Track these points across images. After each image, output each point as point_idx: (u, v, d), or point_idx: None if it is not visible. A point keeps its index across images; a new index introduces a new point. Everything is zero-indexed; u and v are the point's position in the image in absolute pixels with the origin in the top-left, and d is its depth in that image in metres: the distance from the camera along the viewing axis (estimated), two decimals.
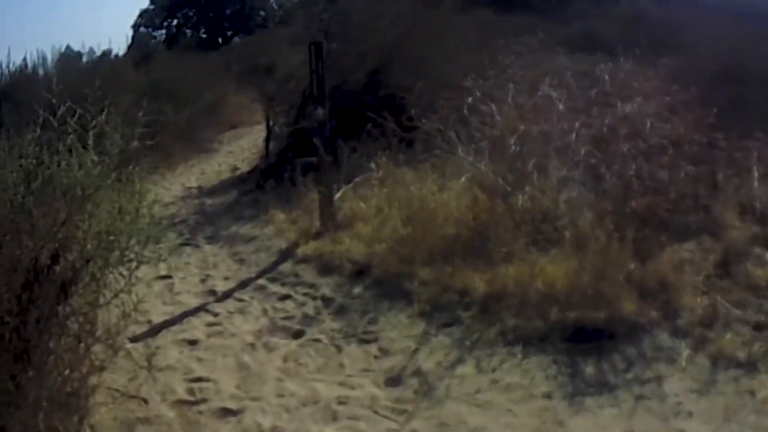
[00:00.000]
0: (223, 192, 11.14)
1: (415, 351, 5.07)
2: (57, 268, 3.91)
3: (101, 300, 4.33)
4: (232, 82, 17.51)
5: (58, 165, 4.03)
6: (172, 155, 13.68)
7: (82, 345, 4.21)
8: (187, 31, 29.43)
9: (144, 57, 20.81)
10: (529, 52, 8.09)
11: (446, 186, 6.96)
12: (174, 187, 12.15)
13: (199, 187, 11.83)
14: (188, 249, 8.33)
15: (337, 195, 7.86)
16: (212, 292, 6.85)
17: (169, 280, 7.26)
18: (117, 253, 4.24)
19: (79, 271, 4.02)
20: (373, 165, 7.95)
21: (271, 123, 11.83)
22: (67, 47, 22.77)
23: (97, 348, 4.43)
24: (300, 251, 7.35)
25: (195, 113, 15.25)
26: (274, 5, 27.95)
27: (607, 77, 7.37)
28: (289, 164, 9.84)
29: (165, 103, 14.11)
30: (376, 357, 5.12)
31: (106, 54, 22.50)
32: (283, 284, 6.78)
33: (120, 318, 4.42)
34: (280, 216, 8.45)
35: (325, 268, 6.88)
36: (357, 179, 8.17)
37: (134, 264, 4.40)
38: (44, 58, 14.35)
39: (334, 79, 8.54)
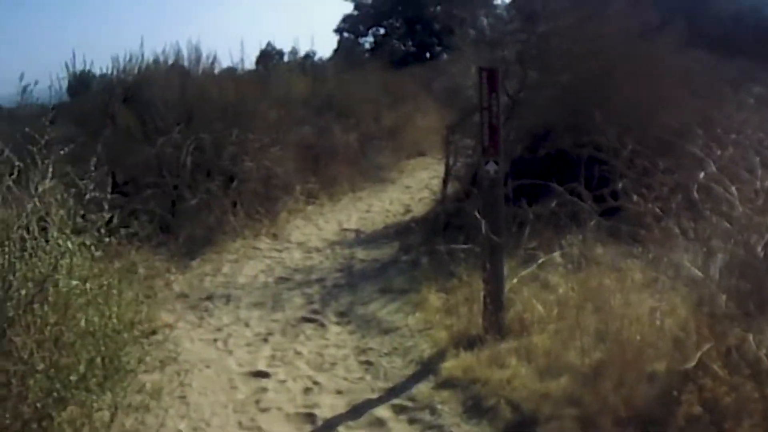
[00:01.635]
0: (382, 242, 9.07)
1: None
2: None
3: None
4: (429, 102, 15.56)
5: None
6: (337, 182, 11.83)
7: None
8: (395, 41, 27.82)
9: (350, 63, 19.30)
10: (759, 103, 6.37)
11: (658, 292, 4.55)
12: (329, 225, 10.23)
13: (357, 231, 9.83)
14: (308, 328, 6.30)
15: (510, 283, 5.55)
16: (310, 417, 4.74)
17: (263, 381, 5.26)
18: None
19: None
20: (564, 243, 5.59)
21: (450, 160, 9.60)
22: (268, 44, 21.87)
23: None
24: (446, 367, 5.15)
25: (373, 134, 13.32)
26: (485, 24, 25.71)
27: None
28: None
29: (343, 120, 12.40)
30: None
31: (309, 56, 21.35)
32: (411, 422, 4.58)
33: None
34: (435, 299, 6.33)
35: (475, 405, 4.66)
36: (540, 260, 5.79)
37: None
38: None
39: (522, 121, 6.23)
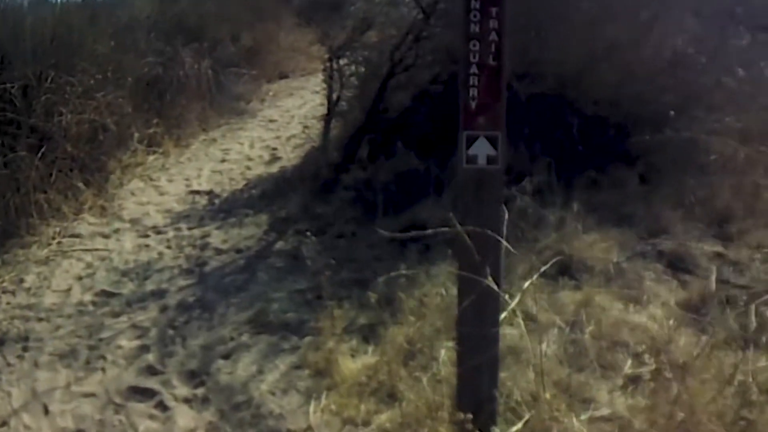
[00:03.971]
0: (245, 213, 6.44)
1: None
2: None
3: None
4: (289, 20, 12.92)
5: None
6: (186, 122, 9.06)
7: None
8: None
9: None
10: None
11: None
12: (174, 186, 7.47)
13: (210, 193, 7.12)
14: (141, 413, 3.69)
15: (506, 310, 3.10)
16: None
17: None
18: None
19: None
20: None
21: (333, 94, 7.01)
22: None
23: None
24: None
25: (227, 59, 10.51)
26: None
27: None
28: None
29: (195, 46, 9.66)
30: None
31: None
32: None
33: None
34: (349, 361, 3.81)
35: None
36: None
37: None
38: None
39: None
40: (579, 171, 5.40)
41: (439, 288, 4.19)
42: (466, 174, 2.57)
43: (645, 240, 4.90)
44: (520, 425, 2.92)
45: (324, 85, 7.21)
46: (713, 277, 4.10)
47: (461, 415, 2.83)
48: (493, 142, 2.52)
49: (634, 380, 3.28)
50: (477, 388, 2.83)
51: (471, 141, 2.51)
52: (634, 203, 5.29)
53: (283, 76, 12.20)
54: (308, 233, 5.22)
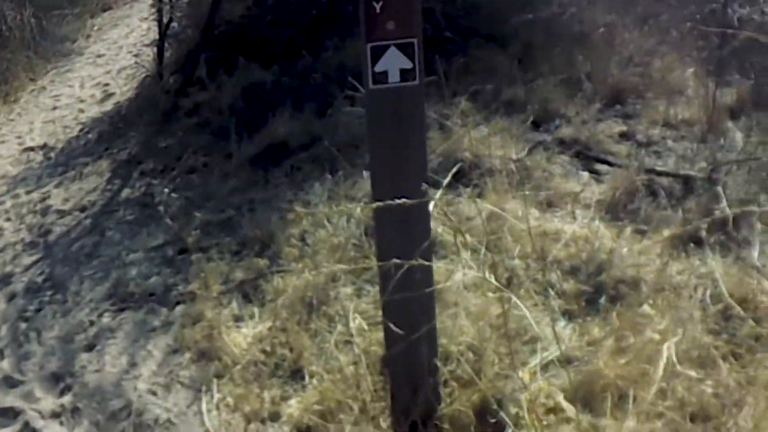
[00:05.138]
0: (85, 163, 5.56)
1: None
2: None
3: None
4: None
5: None
6: (12, 76, 8.03)
7: None
8: None
9: None
10: None
11: None
12: (6, 146, 6.42)
13: (45, 147, 6.14)
14: None
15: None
16: None
17: None
18: None
19: None
20: None
21: (164, 16, 6.14)
22: None
23: None
24: None
25: (49, 2, 9.38)
26: None
27: None
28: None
29: None
30: None
31: None
32: None
33: None
34: (235, 332, 3.12)
35: None
36: None
37: None
38: None
39: None
40: (446, 58, 4.80)
41: (321, 219, 3.56)
42: (376, 97, 1.91)
43: (539, 128, 4.42)
44: (471, 396, 2.38)
45: (153, 10, 6.29)
46: (634, 168, 3.62)
47: (399, 398, 2.27)
48: (407, 51, 1.86)
49: (578, 308, 2.79)
50: (413, 358, 2.24)
51: (378, 54, 1.84)
52: (515, 88, 4.77)
53: (107, 8, 11.02)
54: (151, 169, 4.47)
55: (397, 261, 1.94)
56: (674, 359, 2.22)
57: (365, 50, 1.85)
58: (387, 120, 1.94)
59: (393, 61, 1.86)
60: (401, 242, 2.08)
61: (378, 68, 1.86)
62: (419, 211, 2.00)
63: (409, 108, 1.93)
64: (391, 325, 2.05)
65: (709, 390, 2.18)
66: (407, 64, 1.87)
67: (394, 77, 1.89)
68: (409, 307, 2.13)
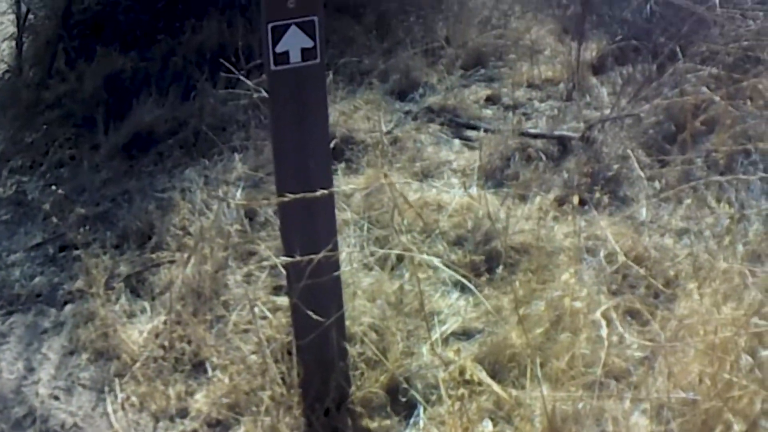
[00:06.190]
0: None
1: None
2: None
3: None
4: None
5: None
6: None
7: None
8: None
9: None
10: None
11: None
12: None
13: None
14: None
15: None
16: None
17: None
18: None
19: None
20: None
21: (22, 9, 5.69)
22: None
23: None
24: None
25: None
26: None
27: None
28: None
29: None
30: None
31: None
32: None
33: None
34: (126, 326, 2.94)
35: None
36: None
37: None
38: None
39: None
40: None
41: (200, 207, 3.42)
42: (277, 79, 1.80)
43: (405, 98, 4.40)
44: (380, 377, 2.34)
45: (9, 2, 5.80)
46: (508, 132, 3.66)
47: (311, 385, 2.20)
48: (308, 29, 1.76)
49: (472, 278, 2.79)
50: (323, 344, 2.17)
51: (279, 34, 1.73)
52: (374, 59, 4.73)
53: None
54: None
55: (304, 258, 1.88)
56: (579, 323, 2.26)
57: (265, 30, 1.73)
58: (290, 102, 1.84)
59: (294, 41, 1.76)
60: (307, 232, 2.00)
61: (279, 49, 1.75)
62: (324, 199, 1.91)
63: (312, 89, 1.84)
64: (310, 312, 1.96)
65: (615, 351, 2.23)
66: (308, 43, 1.78)
67: (295, 57, 1.79)
68: (318, 294, 2.06)
